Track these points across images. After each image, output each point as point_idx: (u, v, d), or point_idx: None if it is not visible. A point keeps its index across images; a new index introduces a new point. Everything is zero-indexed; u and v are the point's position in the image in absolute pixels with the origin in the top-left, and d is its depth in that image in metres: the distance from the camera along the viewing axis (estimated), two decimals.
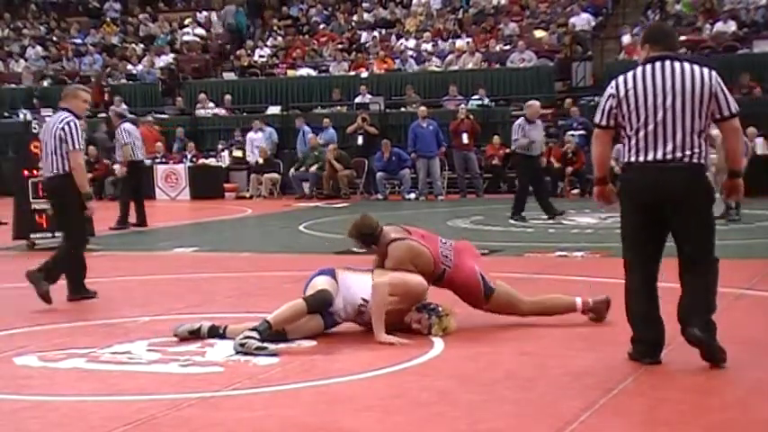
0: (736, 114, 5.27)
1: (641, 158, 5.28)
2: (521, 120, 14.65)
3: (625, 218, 5.49)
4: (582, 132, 20.03)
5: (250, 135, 22.17)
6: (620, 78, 5.38)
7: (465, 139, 19.72)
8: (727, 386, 4.93)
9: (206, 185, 21.38)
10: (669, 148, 5.20)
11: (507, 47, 24.11)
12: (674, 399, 4.70)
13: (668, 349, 5.71)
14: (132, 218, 14.58)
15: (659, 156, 5.22)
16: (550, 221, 13.99)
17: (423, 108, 20.15)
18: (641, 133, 5.26)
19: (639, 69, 5.34)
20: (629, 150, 5.32)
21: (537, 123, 14.74)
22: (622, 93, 5.31)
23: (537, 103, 15.22)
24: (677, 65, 5.28)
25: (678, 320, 5.40)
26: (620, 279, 8.46)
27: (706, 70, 5.29)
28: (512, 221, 14.00)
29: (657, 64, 5.29)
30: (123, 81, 26.47)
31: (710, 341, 5.22)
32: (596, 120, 5.49)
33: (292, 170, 20.93)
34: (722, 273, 6.76)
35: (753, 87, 20.05)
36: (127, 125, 14.99)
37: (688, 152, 5.20)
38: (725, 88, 5.29)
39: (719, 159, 11.57)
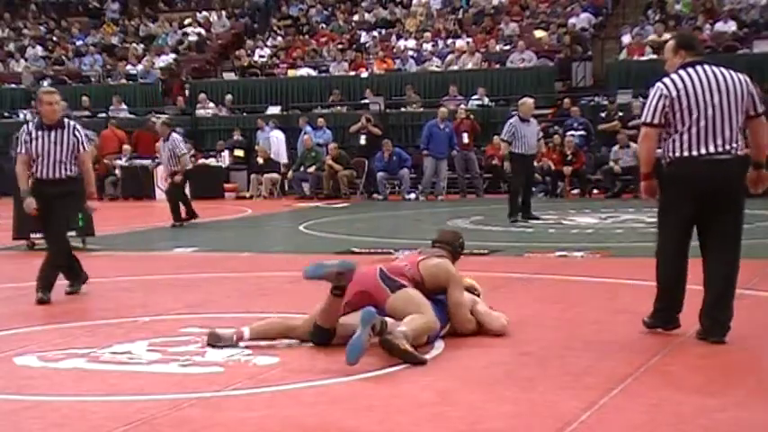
0: (763, 112, 5.89)
1: (694, 152, 5.75)
2: (513, 118, 14.32)
3: (669, 207, 5.92)
4: (582, 133, 20.05)
5: (274, 133, 22.04)
6: (668, 80, 5.82)
7: (465, 139, 19.75)
8: (728, 387, 4.93)
9: (206, 185, 21.36)
10: (720, 141, 5.73)
11: (507, 47, 24.14)
12: (675, 399, 4.70)
13: (667, 350, 5.72)
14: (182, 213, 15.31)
15: (711, 149, 5.73)
16: (534, 221, 13.94)
17: (443, 109, 20.03)
18: (693, 129, 5.74)
19: (683, 72, 5.82)
20: (681, 146, 5.78)
21: (531, 122, 14.36)
22: (674, 93, 5.76)
23: (530, 100, 14.73)
24: (715, 68, 5.85)
25: (699, 319, 5.92)
26: (618, 279, 8.48)
27: (739, 73, 5.88)
28: (512, 223, 13.94)
29: (698, 68, 5.83)
30: (123, 81, 26.50)
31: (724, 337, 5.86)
32: (647, 119, 5.86)
33: (290, 171, 20.92)
34: None
35: None
36: (177, 135, 15.60)
37: (735, 145, 5.76)
38: (755, 88, 5.89)
39: None
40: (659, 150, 6.01)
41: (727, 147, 5.73)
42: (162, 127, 15.81)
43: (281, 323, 6.11)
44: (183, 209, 15.25)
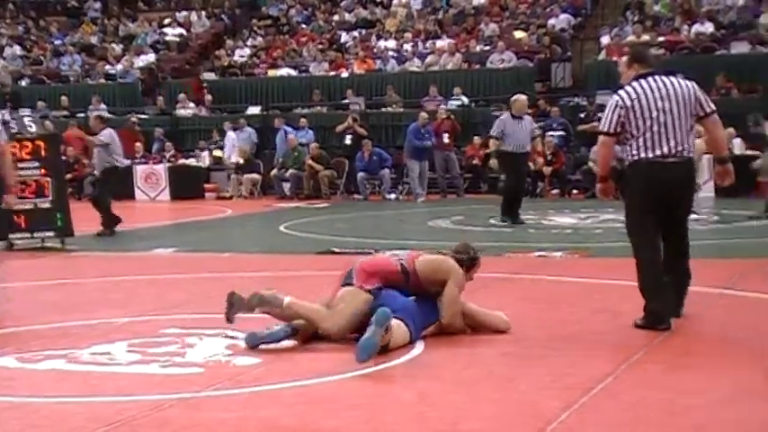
0: (714, 110, 6.45)
1: (650, 155, 6.28)
2: (504, 115, 13.83)
3: (633, 206, 6.46)
4: (561, 133, 20.11)
5: (230, 134, 22.16)
6: (623, 92, 6.39)
7: (445, 139, 19.77)
8: (708, 385, 4.96)
9: (186, 186, 21.33)
10: (672, 143, 6.27)
11: (487, 47, 24.17)
12: (655, 398, 4.73)
13: (647, 349, 5.76)
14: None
15: (665, 151, 6.26)
16: (514, 224, 13.49)
17: (423, 114, 19.90)
18: (648, 134, 6.28)
19: (636, 84, 6.38)
20: (638, 149, 6.32)
21: (524, 120, 13.71)
22: (629, 103, 6.32)
23: (523, 96, 14.12)
24: (665, 78, 6.39)
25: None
26: (598, 279, 8.53)
27: (686, 80, 6.43)
28: (506, 223, 13.52)
29: (650, 78, 6.38)
30: (102, 81, 26.37)
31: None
32: (604, 128, 6.44)
33: (274, 171, 20.91)
34: (702, 272, 6.94)
35: (730, 88, 20.19)
36: (112, 131, 14.52)
37: (686, 146, 6.31)
38: (702, 91, 6.47)
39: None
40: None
41: (679, 148, 6.28)
42: (95, 121, 14.71)
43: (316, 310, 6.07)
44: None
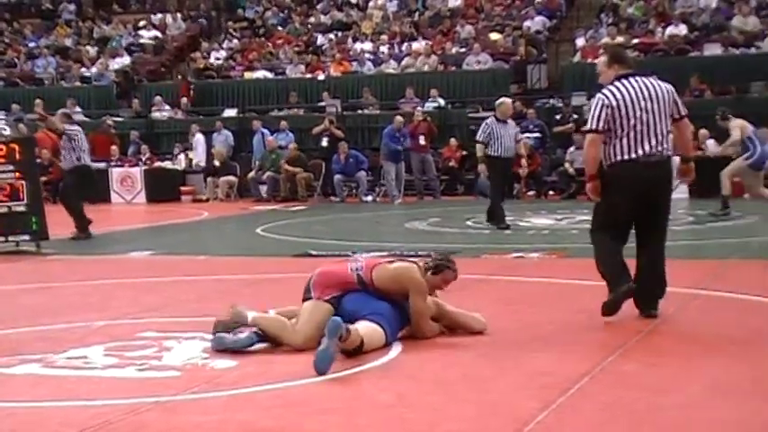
0: (687, 114, 6.67)
1: (633, 155, 6.42)
2: (490, 119, 13.52)
3: (609, 204, 6.55)
4: (537, 135, 20.18)
5: (198, 137, 22.14)
6: (607, 92, 6.51)
7: (422, 141, 19.82)
8: (684, 385, 4.99)
9: (162, 188, 21.27)
10: (654, 142, 6.43)
11: (463, 49, 24.24)
12: (631, 398, 4.76)
13: (623, 349, 5.79)
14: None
15: (647, 150, 6.41)
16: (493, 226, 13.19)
17: (399, 118, 19.96)
18: (631, 134, 6.42)
19: (619, 84, 6.50)
20: (621, 149, 6.44)
21: (509, 123, 13.52)
22: (614, 103, 6.44)
23: (508, 100, 14.03)
24: (645, 79, 6.54)
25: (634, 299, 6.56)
26: (574, 280, 8.57)
27: (664, 82, 6.59)
28: (499, 229, 13.07)
29: (631, 79, 6.52)
30: (77, 84, 26.23)
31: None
32: (592, 126, 6.52)
33: (251, 173, 20.88)
34: (676, 273, 6.98)
35: (703, 90, 20.34)
36: (76, 127, 14.18)
37: (665, 145, 6.50)
38: (677, 95, 6.66)
39: None
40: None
41: (659, 148, 6.44)
42: (61, 117, 14.15)
43: (282, 324, 6.06)
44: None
